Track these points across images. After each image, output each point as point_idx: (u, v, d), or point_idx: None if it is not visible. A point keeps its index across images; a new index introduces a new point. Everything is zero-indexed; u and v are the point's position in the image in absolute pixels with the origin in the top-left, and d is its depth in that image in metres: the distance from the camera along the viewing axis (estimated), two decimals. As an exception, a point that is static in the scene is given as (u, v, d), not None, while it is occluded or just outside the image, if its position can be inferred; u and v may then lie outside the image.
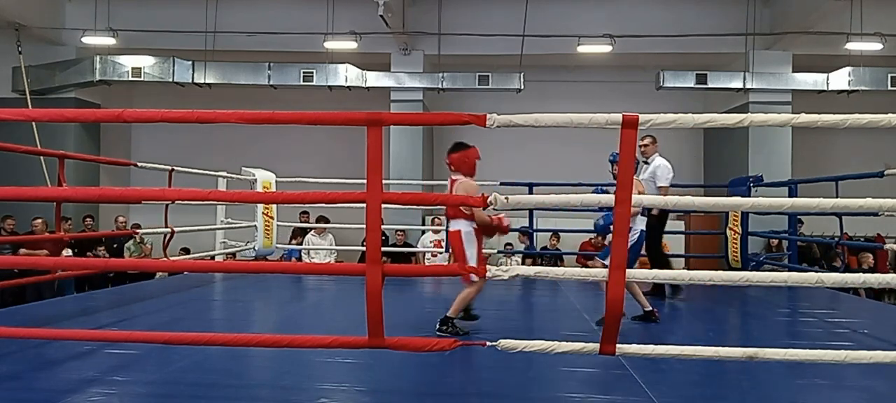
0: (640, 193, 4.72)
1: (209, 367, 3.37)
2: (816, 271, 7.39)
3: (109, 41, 10.61)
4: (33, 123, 9.79)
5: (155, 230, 6.92)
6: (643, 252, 5.35)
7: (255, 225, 8.20)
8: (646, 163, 6.23)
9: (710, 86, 10.47)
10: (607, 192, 4.29)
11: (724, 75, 10.53)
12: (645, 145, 6.16)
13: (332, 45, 10.47)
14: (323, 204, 6.14)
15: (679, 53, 10.49)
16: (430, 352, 2.91)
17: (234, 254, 8.70)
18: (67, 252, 7.16)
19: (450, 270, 3.48)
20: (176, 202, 5.83)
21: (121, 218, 9.70)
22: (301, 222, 9.72)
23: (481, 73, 10.66)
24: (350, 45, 10.48)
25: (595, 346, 2.73)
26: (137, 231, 7.41)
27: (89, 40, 10.67)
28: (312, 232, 9.52)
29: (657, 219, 6.05)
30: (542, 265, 8.66)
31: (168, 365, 3.35)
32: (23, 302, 6.21)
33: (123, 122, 4.81)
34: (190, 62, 10.58)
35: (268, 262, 7.57)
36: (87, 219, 9.93)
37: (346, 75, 10.64)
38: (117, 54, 10.80)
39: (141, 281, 8.12)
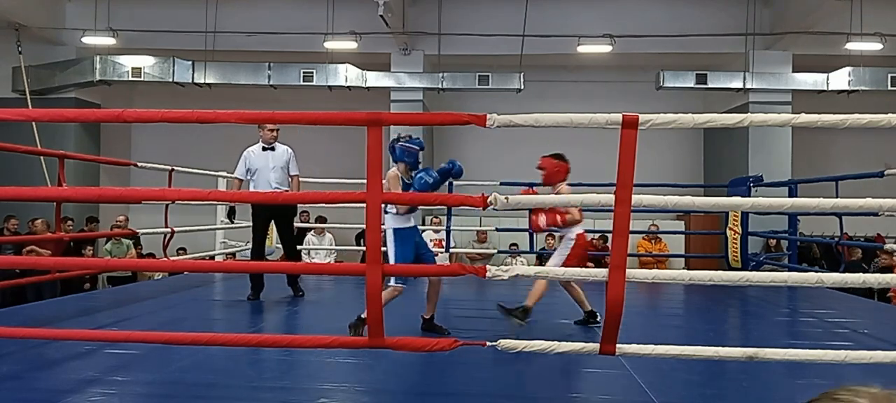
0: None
1: (209, 367, 3.36)
2: (816, 271, 7.39)
3: (109, 41, 10.61)
4: (33, 123, 9.79)
5: (155, 230, 6.92)
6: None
7: (256, 225, 8.19)
8: (270, 149, 5.72)
9: (710, 86, 10.48)
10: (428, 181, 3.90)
11: (724, 75, 10.53)
12: (273, 130, 5.73)
13: (332, 45, 10.47)
14: (323, 204, 6.14)
15: (679, 53, 10.49)
16: (431, 352, 2.91)
17: (233, 254, 8.70)
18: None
19: (450, 270, 3.48)
20: (176, 202, 5.83)
21: (120, 218, 9.69)
22: (301, 222, 9.71)
23: (481, 73, 10.66)
24: (350, 45, 10.48)
25: (595, 346, 2.73)
26: (118, 231, 7.40)
27: (89, 40, 10.66)
28: (311, 232, 9.52)
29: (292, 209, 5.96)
30: (541, 265, 8.65)
31: (168, 365, 3.34)
32: (23, 302, 6.21)
33: (123, 122, 4.81)
34: (190, 62, 10.58)
35: (267, 262, 7.56)
36: (92, 224, 9.90)
37: (346, 75, 10.65)
38: (117, 54, 10.80)
39: (123, 283, 8.06)
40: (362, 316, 4.11)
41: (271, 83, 10.62)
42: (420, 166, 4.19)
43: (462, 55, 10.88)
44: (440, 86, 10.78)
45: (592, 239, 10.02)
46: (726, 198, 5.64)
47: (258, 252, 5.83)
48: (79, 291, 7.80)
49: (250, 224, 5.86)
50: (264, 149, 5.71)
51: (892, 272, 7.38)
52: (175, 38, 10.70)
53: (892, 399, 0.81)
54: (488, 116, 2.65)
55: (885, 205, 2.70)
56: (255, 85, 10.70)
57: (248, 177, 5.68)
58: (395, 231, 4.13)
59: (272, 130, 5.72)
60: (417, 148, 4.12)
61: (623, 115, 2.55)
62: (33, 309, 5.31)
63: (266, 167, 5.67)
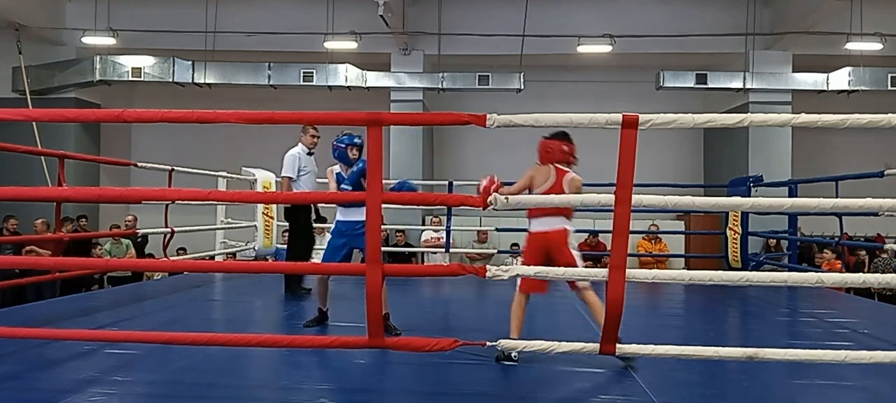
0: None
1: (209, 367, 3.36)
2: (816, 271, 7.39)
3: (109, 41, 10.62)
4: (33, 123, 9.79)
5: (155, 230, 6.92)
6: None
7: (255, 225, 8.20)
8: (311, 153, 5.86)
9: (710, 86, 10.48)
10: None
11: (724, 75, 10.54)
12: (317, 136, 5.84)
13: (332, 45, 10.47)
14: (323, 204, 6.14)
15: (679, 53, 10.50)
16: (430, 352, 2.91)
17: (234, 254, 8.70)
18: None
19: (450, 270, 3.48)
20: (176, 202, 5.83)
21: (128, 218, 9.68)
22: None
23: (481, 73, 10.66)
24: (350, 45, 10.48)
25: (595, 346, 2.73)
26: (116, 231, 7.38)
27: (89, 40, 10.67)
28: (312, 232, 9.49)
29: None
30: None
31: (168, 365, 3.35)
32: (23, 302, 6.21)
33: (123, 122, 4.81)
34: (190, 62, 10.58)
35: (268, 262, 7.57)
36: (82, 220, 9.90)
37: (346, 75, 10.65)
38: (117, 54, 10.81)
39: (123, 283, 8.04)
40: (323, 309, 4.42)
41: (271, 83, 10.62)
42: (359, 157, 4.40)
43: (462, 55, 10.88)
44: (440, 86, 10.78)
45: (587, 237, 10.01)
46: (726, 198, 5.62)
47: (298, 251, 5.91)
48: (79, 291, 7.80)
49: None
50: (309, 153, 5.85)
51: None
52: (175, 38, 10.70)
53: None
54: (488, 116, 2.65)
55: (885, 205, 2.70)
56: (255, 85, 10.70)
57: (296, 178, 5.76)
58: (336, 221, 4.40)
59: (315, 135, 5.86)
60: (343, 145, 4.39)
61: (623, 115, 2.55)
62: (33, 309, 5.31)
63: (313, 171, 5.87)
